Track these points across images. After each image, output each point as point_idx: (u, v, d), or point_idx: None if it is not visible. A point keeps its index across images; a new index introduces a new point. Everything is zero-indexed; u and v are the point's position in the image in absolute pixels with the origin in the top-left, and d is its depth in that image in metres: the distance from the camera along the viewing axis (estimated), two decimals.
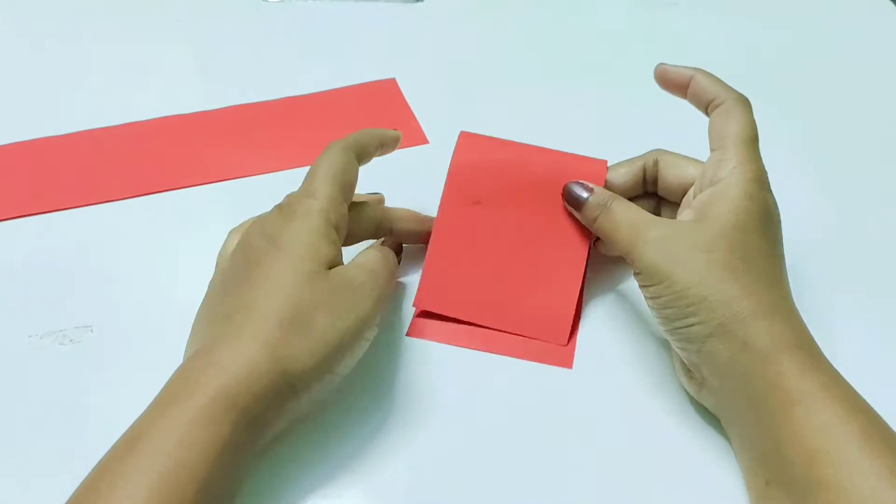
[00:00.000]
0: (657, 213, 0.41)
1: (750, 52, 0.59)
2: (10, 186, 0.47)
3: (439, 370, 0.37)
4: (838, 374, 0.31)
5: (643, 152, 0.51)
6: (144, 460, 0.27)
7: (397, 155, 0.50)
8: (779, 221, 0.36)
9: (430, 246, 0.40)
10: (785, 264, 0.35)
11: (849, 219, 0.46)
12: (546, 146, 0.46)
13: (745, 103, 0.37)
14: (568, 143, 0.51)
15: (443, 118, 0.52)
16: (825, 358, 0.32)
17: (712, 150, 0.37)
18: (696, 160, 0.39)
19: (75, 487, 0.28)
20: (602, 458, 0.34)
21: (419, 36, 0.60)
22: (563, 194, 0.39)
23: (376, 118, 0.52)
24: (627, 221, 0.36)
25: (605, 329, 0.39)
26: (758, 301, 0.32)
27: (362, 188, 0.47)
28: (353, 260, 0.35)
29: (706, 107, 0.38)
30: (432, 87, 0.55)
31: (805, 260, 0.44)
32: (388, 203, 0.46)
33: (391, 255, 0.38)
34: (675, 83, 0.40)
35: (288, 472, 0.33)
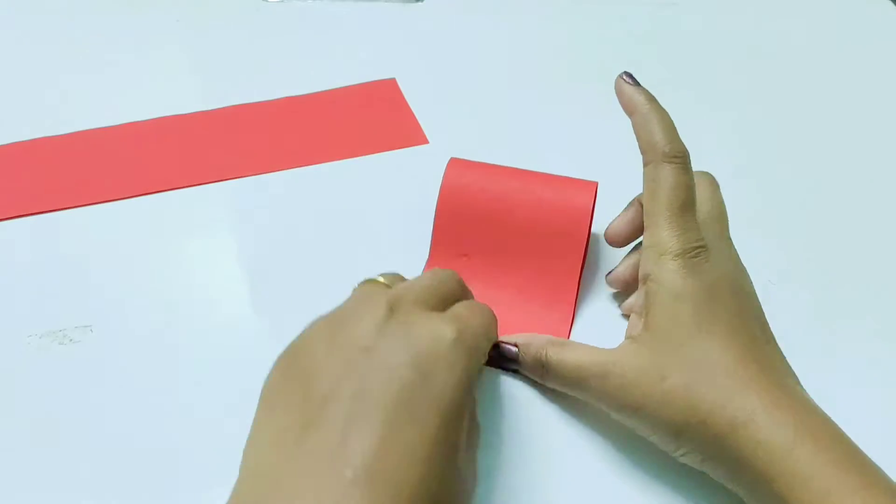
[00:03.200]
0: None
1: (750, 52, 0.59)
2: (10, 186, 0.47)
3: None
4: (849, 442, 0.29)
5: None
6: None
7: (397, 155, 0.50)
8: (737, 291, 0.33)
9: None
10: (757, 329, 0.33)
11: (848, 219, 0.46)
12: (546, 146, 0.46)
13: (678, 168, 0.33)
14: (568, 143, 0.51)
15: (443, 118, 0.52)
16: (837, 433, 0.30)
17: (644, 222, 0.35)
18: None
19: (75, 487, 0.28)
20: (599, 457, 0.34)
21: (419, 36, 0.60)
22: (490, 356, 0.36)
23: (376, 118, 0.52)
24: (571, 369, 0.33)
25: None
26: (742, 406, 0.29)
27: (362, 188, 0.47)
28: None
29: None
30: (432, 87, 0.55)
31: (801, 263, 0.44)
32: (387, 203, 0.46)
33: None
34: (624, 107, 0.36)
35: None
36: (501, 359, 0.36)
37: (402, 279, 0.33)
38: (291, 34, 0.60)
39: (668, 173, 0.33)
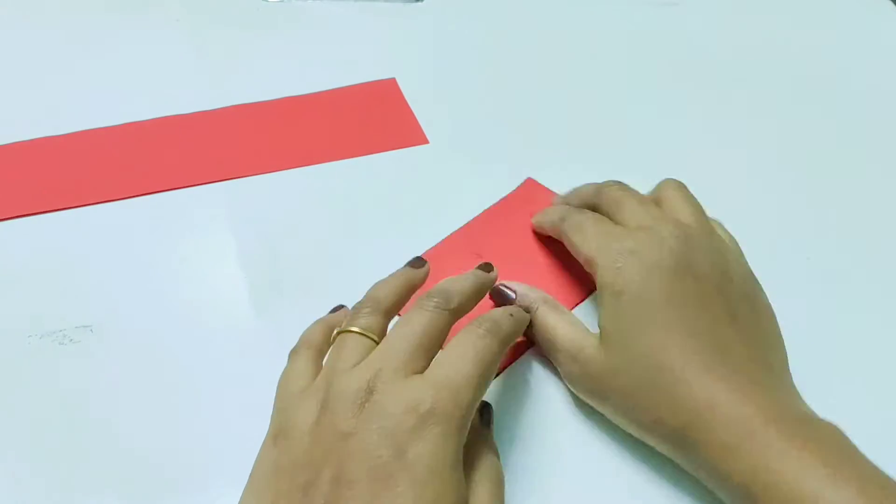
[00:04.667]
0: None
1: (750, 52, 0.59)
2: (10, 186, 0.47)
3: None
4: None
5: (642, 152, 0.51)
6: None
7: (397, 155, 0.50)
8: (689, 276, 0.33)
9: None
10: (709, 316, 0.32)
11: (848, 220, 0.46)
12: (546, 145, 0.46)
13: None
14: (567, 143, 0.51)
15: (443, 118, 0.52)
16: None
17: None
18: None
19: (75, 487, 0.28)
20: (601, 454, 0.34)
21: (419, 36, 0.60)
22: (491, 294, 0.37)
23: (376, 118, 0.52)
24: (549, 335, 0.35)
25: None
26: (685, 408, 0.30)
27: (362, 188, 0.47)
28: (474, 469, 0.30)
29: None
30: (432, 87, 0.55)
31: (798, 263, 0.44)
32: (386, 204, 0.46)
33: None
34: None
35: None
36: (499, 298, 0.38)
37: (380, 314, 0.32)
38: (291, 34, 0.60)
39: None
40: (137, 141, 0.50)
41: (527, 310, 0.36)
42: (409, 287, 0.35)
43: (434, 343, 0.31)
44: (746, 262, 0.37)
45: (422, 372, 0.29)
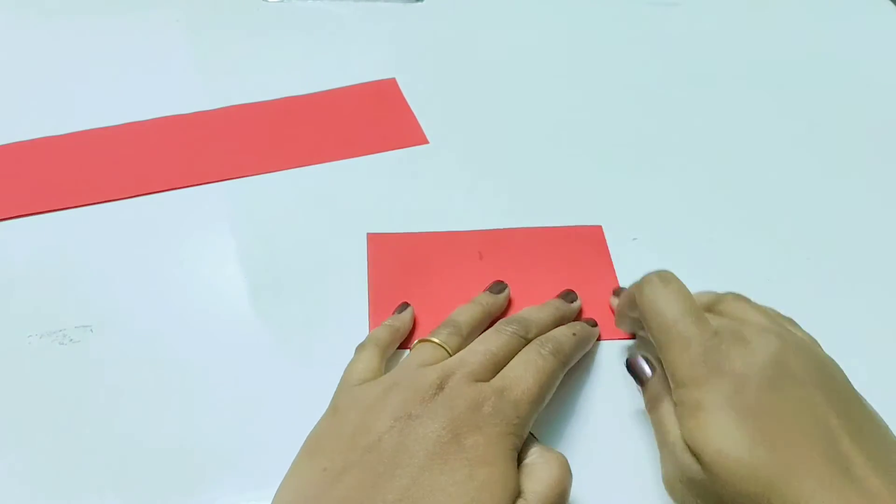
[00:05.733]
0: None
1: (750, 52, 0.59)
2: (10, 186, 0.47)
3: None
4: None
5: (643, 152, 0.51)
6: None
7: (397, 155, 0.50)
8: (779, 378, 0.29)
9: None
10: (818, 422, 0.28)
11: (848, 220, 0.46)
12: (546, 145, 0.46)
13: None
14: (567, 143, 0.51)
15: (443, 118, 0.52)
16: None
17: None
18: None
19: (75, 486, 0.28)
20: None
21: (419, 36, 0.60)
22: (628, 364, 0.35)
23: (376, 118, 0.52)
24: (661, 432, 0.31)
25: None
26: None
27: (361, 188, 0.47)
28: (532, 479, 0.29)
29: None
30: (432, 87, 0.55)
31: (798, 263, 0.44)
32: (386, 204, 0.46)
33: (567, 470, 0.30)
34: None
35: None
36: (636, 373, 0.34)
37: (460, 336, 0.35)
38: (291, 34, 0.60)
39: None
40: (137, 141, 0.50)
41: (654, 400, 0.33)
42: (487, 315, 0.37)
43: (504, 363, 0.33)
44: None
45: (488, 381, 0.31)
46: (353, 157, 0.49)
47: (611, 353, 0.38)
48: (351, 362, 0.34)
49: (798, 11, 0.64)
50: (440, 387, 0.30)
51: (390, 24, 0.61)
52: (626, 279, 0.41)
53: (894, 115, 0.54)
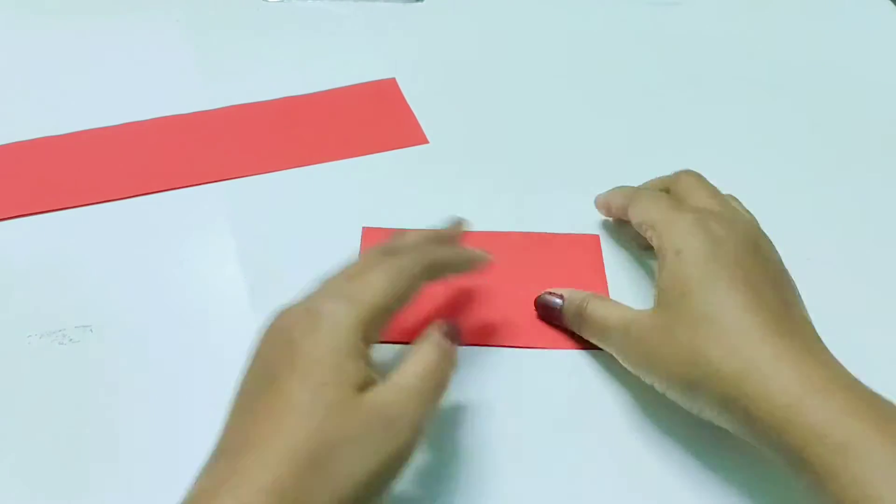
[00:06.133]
0: None
1: (751, 51, 0.59)
2: (10, 186, 0.47)
3: None
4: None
5: (642, 153, 0.51)
6: None
7: (397, 155, 0.50)
8: (749, 250, 0.34)
9: None
10: (770, 286, 0.33)
11: (848, 220, 0.46)
12: (546, 145, 0.46)
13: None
14: (567, 143, 0.51)
15: (443, 118, 0.52)
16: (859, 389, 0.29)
17: None
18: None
19: (75, 486, 0.28)
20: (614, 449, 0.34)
21: (419, 36, 0.60)
22: (536, 306, 0.39)
23: (376, 118, 0.52)
24: (600, 322, 0.36)
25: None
26: (748, 357, 0.30)
27: (361, 188, 0.47)
28: (398, 368, 0.30)
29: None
30: (432, 87, 0.55)
31: (798, 263, 0.44)
32: (386, 204, 0.46)
33: (451, 352, 0.31)
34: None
35: None
36: (545, 310, 0.39)
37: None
38: (291, 34, 0.60)
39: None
40: (137, 141, 0.50)
41: (578, 310, 0.37)
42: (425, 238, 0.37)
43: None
44: None
45: None
46: (352, 156, 0.49)
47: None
48: None
49: (798, 11, 0.64)
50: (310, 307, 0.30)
51: (390, 24, 0.61)
52: (617, 292, 0.41)
53: (894, 115, 0.54)
